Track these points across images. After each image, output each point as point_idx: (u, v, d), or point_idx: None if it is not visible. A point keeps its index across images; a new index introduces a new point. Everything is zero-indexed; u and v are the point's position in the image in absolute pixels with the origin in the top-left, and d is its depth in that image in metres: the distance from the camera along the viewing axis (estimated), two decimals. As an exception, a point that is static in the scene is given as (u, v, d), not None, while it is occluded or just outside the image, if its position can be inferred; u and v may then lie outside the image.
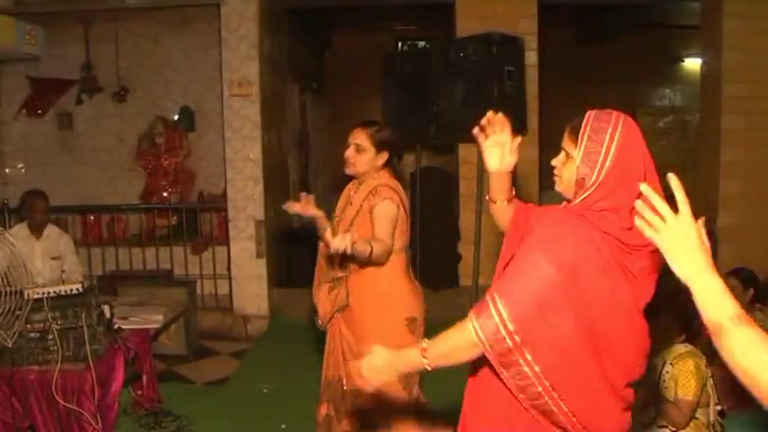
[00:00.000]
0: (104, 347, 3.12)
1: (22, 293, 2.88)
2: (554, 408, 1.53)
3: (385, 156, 2.75)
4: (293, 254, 6.06)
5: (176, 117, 6.80)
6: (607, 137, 1.53)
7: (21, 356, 2.98)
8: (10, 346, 2.92)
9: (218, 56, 5.83)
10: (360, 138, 2.74)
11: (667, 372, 2.92)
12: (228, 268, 5.82)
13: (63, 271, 4.40)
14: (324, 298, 2.86)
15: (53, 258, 4.38)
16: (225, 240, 5.93)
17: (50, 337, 2.97)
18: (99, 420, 2.95)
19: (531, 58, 5.37)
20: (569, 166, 1.61)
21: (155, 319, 3.94)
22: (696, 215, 1.16)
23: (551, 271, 1.48)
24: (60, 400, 2.91)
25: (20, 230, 4.31)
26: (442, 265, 5.84)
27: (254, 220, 5.65)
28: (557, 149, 1.70)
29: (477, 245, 4.87)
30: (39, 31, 6.41)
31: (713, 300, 1.12)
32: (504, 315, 1.47)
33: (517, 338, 1.47)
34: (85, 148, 6.88)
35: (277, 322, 5.66)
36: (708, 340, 2.72)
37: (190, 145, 6.77)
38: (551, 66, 5.97)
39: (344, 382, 2.77)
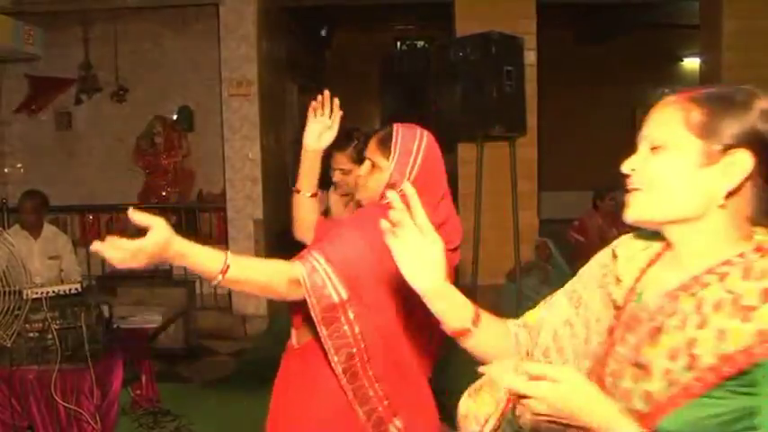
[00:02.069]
0: (103, 347, 3.12)
1: (20, 293, 2.87)
2: (360, 371, 1.62)
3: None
4: (292, 253, 6.06)
5: (175, 117, 6.79)
6: (415, 147, 1.72)
7: (20, 356, 2.97)
8: (9, 345, 2.92)
9: (217, 55, 5.83)
10: (341, 162, 2.72)
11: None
12: (227, 268, 5.82)
13: (61, 271, 4.39)
14: None
15: (51, 258, 4.38)
16: (224, 240, 5.92)
17: (49, 336, 2.97)
18: (98, 420, 2.95)
19: (530, 57, 5.37)
20: (376, 176, 1.75)
21: (153, 319, 3.94)
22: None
23: (365, 247, 1.57)
24: (59, 400, 2.91)
25: (18, 230, 4.31)
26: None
27: (253, 220, 5.65)
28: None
29: (476, 244, 4.87)
30: (38, 31, 6.40)
31: None
32: (330, 271, 1.54)
33: (343, 295, 1.54)
34: (84, 147, 6.88)
35: (276, 322, 5.65)
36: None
37: (189, 145, 6.77)
38: (550, 65, 5.97)
39: None
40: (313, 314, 1.55)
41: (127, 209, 1.35)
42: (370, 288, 1.58)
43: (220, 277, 1.38)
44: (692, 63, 8.60)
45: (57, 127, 6.87)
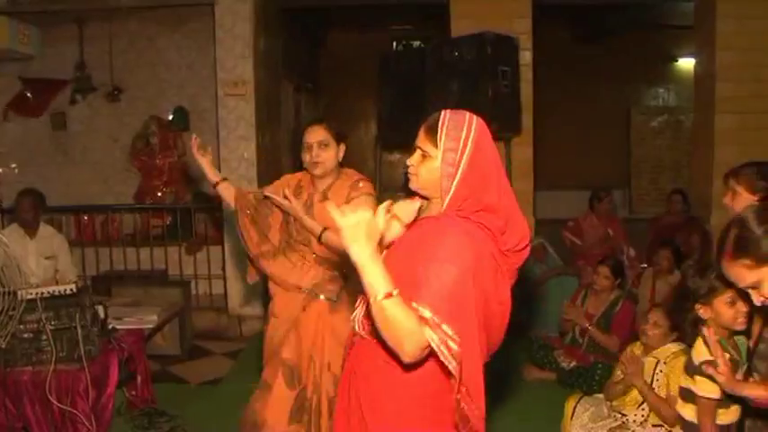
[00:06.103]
0: (98, 348, 3.11)
1: (15, 294, 2.86)
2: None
3: (343, 148, 2.72)
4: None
5: (170, 117, 6.78)
6: (463, 134, 1.63)
7: (14, 357, 2.97)
8: (3, 346, 2.91)
9: (212, 55, 5.82)
10: (320, 134, 2.69)
11: (661, 371, 2.94)
12: (223, 268, 5.81)
13: (56, 271, 4.38)
14: (296, 275, 2.81)
15: (47, 258, 4.36)
16: (219, 240, 5.91)
17: (44, 337, 2.96)
18: (93, 421, 2.94)
19: (526, 57, 5.37)
20: (427, 165, 1.69)
21: (149, 320, 3.94)
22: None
23: (462, 276, 1.55)
24: (54, 401, 2.90)
25: (13, 230, 4.30)
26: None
27: (249, 220, 5.63)
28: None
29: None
30: (32, 31, 6.39)
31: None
32: (450, 332, 1.51)
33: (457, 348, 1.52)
34: (79, 147, 6.86)
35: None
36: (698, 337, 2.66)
37: (184, 145, 6.75)
38: (546, 65, 5.97)
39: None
40: (450, 368, 1.53)
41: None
42: (468, 312, 1.56)
43: (380, 298, 1.45)
44: (686, 63, 8.61)
45: (52, 127, 6.84)
